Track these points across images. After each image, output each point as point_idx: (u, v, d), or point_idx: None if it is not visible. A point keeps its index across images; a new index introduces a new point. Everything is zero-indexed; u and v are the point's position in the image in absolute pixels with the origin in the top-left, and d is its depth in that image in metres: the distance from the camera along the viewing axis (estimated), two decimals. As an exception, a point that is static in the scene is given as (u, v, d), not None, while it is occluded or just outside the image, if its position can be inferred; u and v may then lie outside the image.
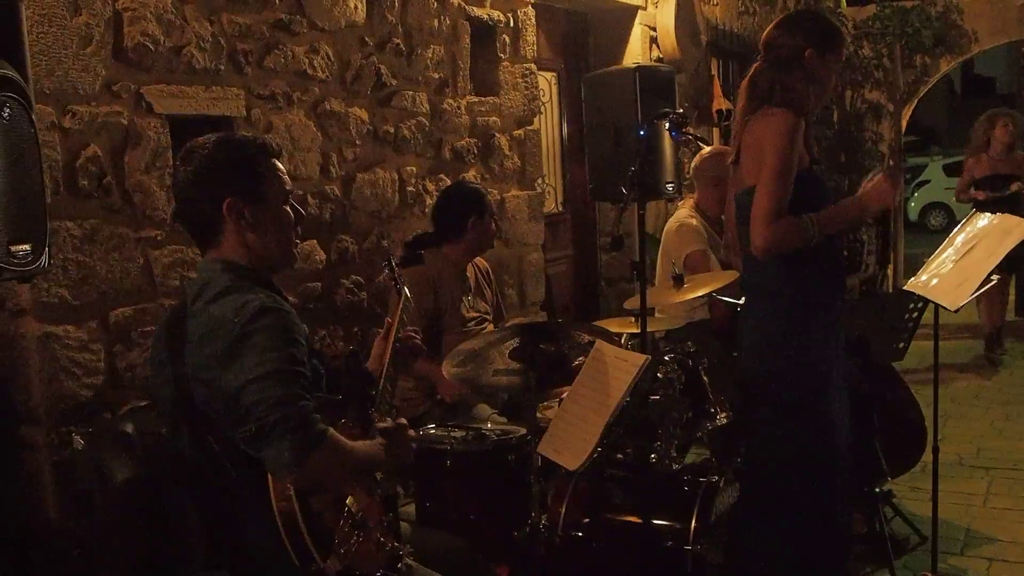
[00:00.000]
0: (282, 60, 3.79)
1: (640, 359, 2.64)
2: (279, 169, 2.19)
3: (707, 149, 4.43)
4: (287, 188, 2.21)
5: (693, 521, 2.98)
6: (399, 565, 2.16)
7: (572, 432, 2.67)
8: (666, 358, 3.36)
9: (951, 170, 19.74)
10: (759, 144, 2.79)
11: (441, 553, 2.47)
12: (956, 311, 3.12)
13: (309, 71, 3.92)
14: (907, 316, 4.06)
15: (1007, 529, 4.19)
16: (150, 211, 3.31)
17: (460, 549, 2.59)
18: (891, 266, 9.38)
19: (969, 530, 4.19)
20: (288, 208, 2.20)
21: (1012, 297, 8.92)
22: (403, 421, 2.26)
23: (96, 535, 2.30)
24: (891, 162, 2.71)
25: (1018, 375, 6.98)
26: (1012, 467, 4.97)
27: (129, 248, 3.26)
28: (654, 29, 6.68)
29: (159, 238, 3.35)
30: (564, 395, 3.10)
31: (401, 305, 2.59)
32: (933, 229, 18.89)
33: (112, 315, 3.21)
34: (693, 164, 4.56)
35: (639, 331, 3.49)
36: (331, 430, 1.99)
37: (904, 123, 9.61)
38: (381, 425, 2.22)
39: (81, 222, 3.10)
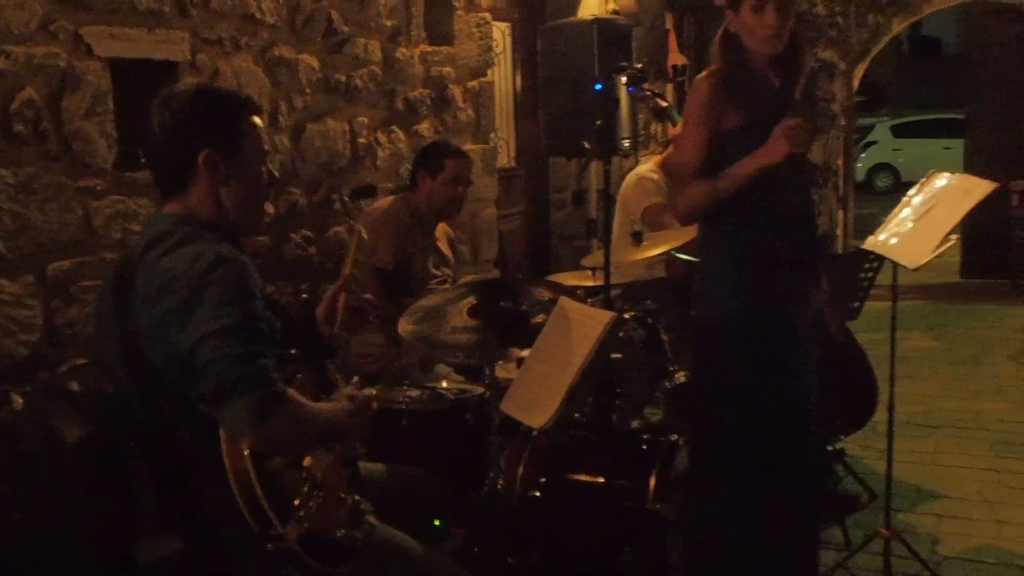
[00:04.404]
0: (229, 2, 3.67)
1: (606, 316, 2.63)
2: (259, 127, 2.14)
3: None
4: (265, 148, 2.16)
5: (653, 479, 2.99)
6: (361, 524, 2.12)
7: (536, 390, 2.65)
8: (626, 316, 3.37)
9: (899, 131, 20.08)
10: None
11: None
12: (915, 270, 3.16)
13: (257, 15, 3.81)
14: (862, 275, 4.11)
15: (955, 486, 4.30)
16: (90, 159, 3.20)
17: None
18: (841, 227, 9.50)
19: (918, 488, 4.30)
20: (263, 170, 2.15)
21: (958, 260, 9.13)
22: (370, 392, 2.22)
23: (40, 498, 2.24)
24: (795, 115, 2.70)
25: (965, 336, 7.16)
26: (960, 426, 5.11)
27: (68, 198, 3.15)
28: (611, -20, 6.64)
29: (99, 188, 3.24)
30: (523, 354, 3.09)
31: (355, 245, 2.52)
32: (879, 190, 19.19)
33: (50, 268, 3.11)
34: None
35: (595, 285, 3.48)
36: (291, 391, 1.94)
37: (856, 82, 9.68)
38: (347, 391, 2.18)
39: (16, 170, 2.99)
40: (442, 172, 3.78)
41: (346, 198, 2.64)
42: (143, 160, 2.16)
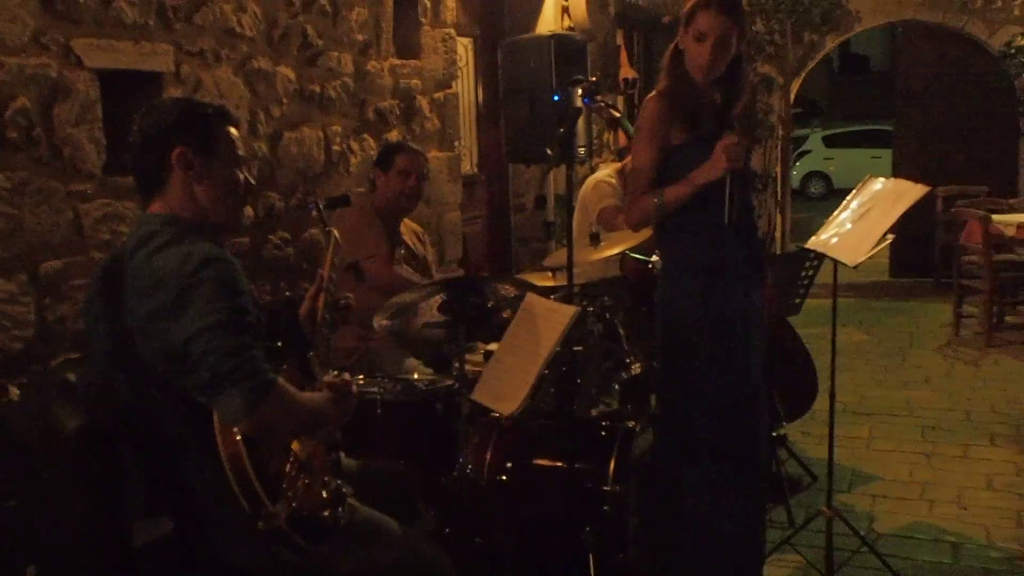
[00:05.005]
0: (210, 17, 3.69)
1: (570, 310, 2.69)
2: (233, 135, 2.16)
3: None
4: (240, 154, 2.18)
5: (612, 463, 3.05)
6: (343, 505, 2.16)
7: (506, 379, 2.70)
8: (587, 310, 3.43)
9: (830, 141, 20.40)
10: None
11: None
12: (856, 267, 3.25)
13: (237, 29, 3.82)
14: (803, 273, 4.23)
15: (888, 469, 4.44)
16: (79, 164, 3.20)
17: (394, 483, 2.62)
18: (779, 230, 9.67)
19: (855, 470, 4.42)
20: (240, 173, 2.17)
21: (887, 260, 9.34)
22: (348, 377, 2.26)
23: (37, 486, 2.24)
24: (731, 133, 2.74)
25: (895, 331, 7.35)
26: (891, 414, 5.26)
27: (58, 201, 3.15)
28: (566, -1, 6.71)
29: (89, 192, 3.25)
30: (490, 348, 3.14)
31: (332, 249, 2.55)
32: (813, 196, 19.49)
33: (42, 268, 3.11)
34: None
35: (555, 285, 3.54)
36: (280, 379, 1.97)
37: (793, 96, 9.87)
38: (328, 379, 2.21)
39: (10, 174, 2.99)
40: (393, 167, 3.81)
41: (321, 207, 2.69)
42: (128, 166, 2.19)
